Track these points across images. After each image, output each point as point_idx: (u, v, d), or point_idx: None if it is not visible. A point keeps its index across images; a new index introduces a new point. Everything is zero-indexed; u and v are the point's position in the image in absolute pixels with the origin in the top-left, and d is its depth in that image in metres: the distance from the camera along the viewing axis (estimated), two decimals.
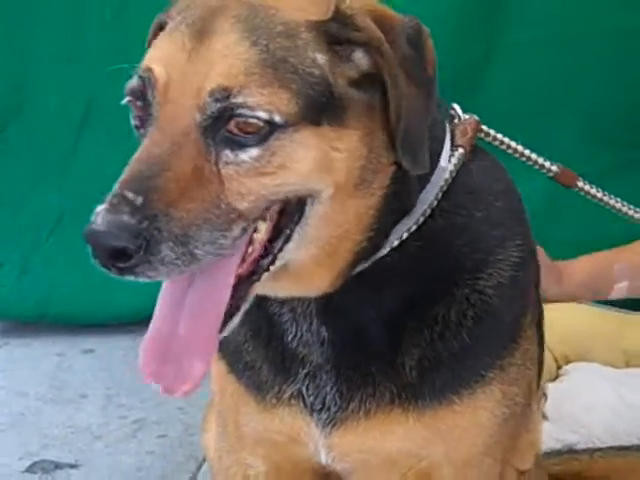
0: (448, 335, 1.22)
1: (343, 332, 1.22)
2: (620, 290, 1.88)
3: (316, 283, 1.17)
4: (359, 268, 1.18)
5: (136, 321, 3.00)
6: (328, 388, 1.23)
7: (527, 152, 1.49)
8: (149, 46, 1.18)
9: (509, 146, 1.46)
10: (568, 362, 2.46)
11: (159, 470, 2.33)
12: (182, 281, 1.09)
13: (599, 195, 1.59)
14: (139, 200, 0.99)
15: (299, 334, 1.23)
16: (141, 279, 1.02)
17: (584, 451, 2.04)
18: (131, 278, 1.02)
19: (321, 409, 1.24)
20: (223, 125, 1.05)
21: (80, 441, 2.45)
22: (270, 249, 1.11)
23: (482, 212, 1.25)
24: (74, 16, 2.95)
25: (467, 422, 1.24)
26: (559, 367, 2.46)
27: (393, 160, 1.15)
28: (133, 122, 1.13)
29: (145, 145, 1.05)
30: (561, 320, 2.15)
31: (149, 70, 1.08)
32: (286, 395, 1.26)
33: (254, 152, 1.05)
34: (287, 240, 1.11)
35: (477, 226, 1.24)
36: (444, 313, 1.22)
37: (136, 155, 1.05)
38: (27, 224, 3.11)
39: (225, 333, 1.11)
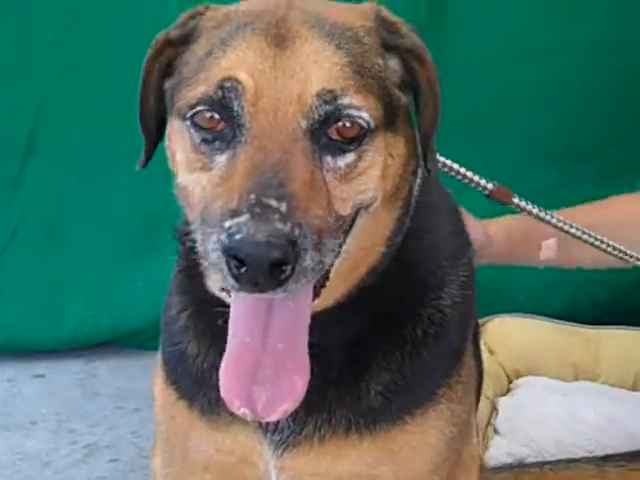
0: (414, 354, 1.22)
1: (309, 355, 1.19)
2: (549, 248, 1.84)
3: (323, 299, 1.14)
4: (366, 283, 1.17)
5: (87, 346, 3.04)
6: None
7: (463, 170, 1.51)
8: (149, 72, 1.17)
9: (444, 164, 1.48)
10: (519, 376, 2.49)
11: None
12: (263, 300, 1.05)
13: (534, 211, 1.61)
14: (283, 207, 0.95)
15: None
16: (277, 294, 0.97)
17: (534, 464, 2.06)
18: (272, 294, 0.97)
19: (274, 431, 1.23)
20: (326, 130, 1.04)
21: (29, 468, 2.40)
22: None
23: (439, 232, 1.27)
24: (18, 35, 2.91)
25: (417, 442, 1.24)
26: (510, 382, 2.49)
27: (414, 168, 1.17)
28: (199, 135, 1.07)
29: (249, 154, 1.01)
30: (513, 335, 2.18)
31: (234, 79, 1.04)
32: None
33: (350, 157, 1.05)
34: (339, 253, 1.08)
35: (436, 247, 1.26)
36: (412, 332, 1.22)
37: (244, 163, 1.01)
38: None
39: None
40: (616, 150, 2.66)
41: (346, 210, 1.05)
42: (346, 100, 1.04)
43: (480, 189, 1.56)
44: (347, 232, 1.09)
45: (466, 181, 1.54)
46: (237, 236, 0.94)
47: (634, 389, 2.44)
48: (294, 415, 1.20)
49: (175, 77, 1.15)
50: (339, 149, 1.05)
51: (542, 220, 1.63)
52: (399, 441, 1.23)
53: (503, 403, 2.35)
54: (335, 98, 1.03)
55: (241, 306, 1.07)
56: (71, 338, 3.01)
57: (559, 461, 2.04)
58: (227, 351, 1.07)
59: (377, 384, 1.21)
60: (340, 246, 1.07)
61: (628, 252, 1.70)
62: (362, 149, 1.06)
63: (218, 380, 1.19)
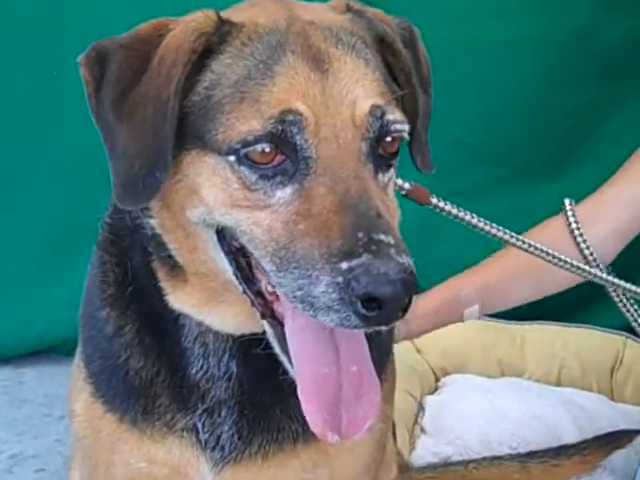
0: None
1: (253, 370, 1.21)
2: (472, 313, 1.94)
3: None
4: None
5: (14, 355, 3.00)
6: (226, 427, 1.22)
7: None
8: (171, 76, 1.05)
9: None
10: (446, 374, 2.54)
11: None
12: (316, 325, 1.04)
13: (454, 211, 1.62)
14: (391, 240, 0.96)
15: (205, 368, 1.21)
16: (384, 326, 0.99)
17: (459, 463, 2.09)
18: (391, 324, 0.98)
19: (214, 447, 1.23)
20: (378, 147, 1.05)
21: None
22: None
23: None
24: None
25: (352, 443, 1.24)
26: (437, 380, 2.54)
27: None
28: (254, 171, 1.03)
29: (330, 186, 1.00)
30: (440, 334, 2.19)
31: (295, 112, 1.01)
32: (179, 425, 1.23)
33: (392, 172, 1.08)
34: None
35: None
36: None
37: (331, 197, 0.99)
38: None
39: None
40: (539, 153, 2.70)
41: (395, 223, 1.10)
42: (391, 115, 1.05)
43: (397, 189, 1.56)
44: None
45: None
46: (364, 277, 0.93)
47: (558, 384, 2.50)
48: (239, 433, 1.21)
49: (195, 98, 1.07)
50: (386, 165, 1.07)
51: (459, 219, 1.65)
52: (336, 445, 1.22)
53: (430, 401, 2.39)
54: (383, 114, 1.04)
55: (310, 337, 1.07)
56: None
57: (483, 459, 2.07)
58: (304, 380, 1.08)
59: None
60: None
61: (559, 256, 1.75)
62: (395, 161, 1.09)
63: (160, 390, 1.23)
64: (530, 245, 1.73)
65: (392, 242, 0.95)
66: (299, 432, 1.23)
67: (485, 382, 2.47)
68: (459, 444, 2.18)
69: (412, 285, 0.94)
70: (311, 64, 1.03)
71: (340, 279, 0.95)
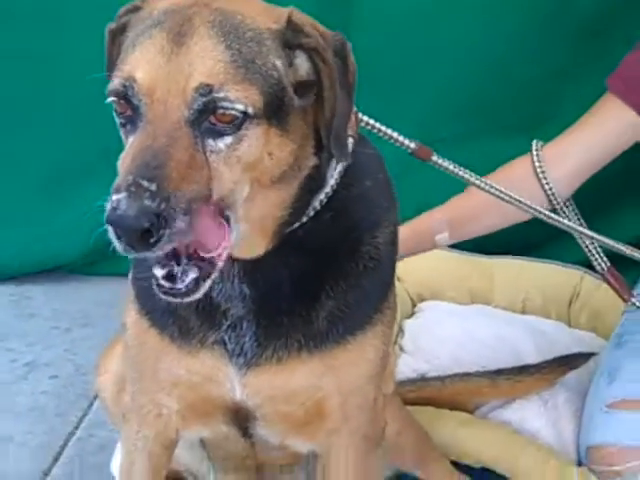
0: (355, 284, 1.42)
1: (262, 290, 1.39)
2: (442, 240, 2.12)
3: (253, 248, 1.36)
4: (283, 235, 1.36)
5: (21, 273, 3.17)
6: (247, 337, 1.42)
7: (389, 131, 1.75)
8: (109, 53, 1.33)
9: (374, 126, 1.72)
10: (422, 300, 2.76)
11: (53, 409, 2.48)
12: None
13: (451, 167, 1.86)
14: (153, 186, 1.13)
15: (224, 291, 1.40)
16: (157, 252, 1.16)
17: (435, 378, 2.31)
18: (149, 253, 1.15)
19: (239, 354, 1.42)
20: (206, 117, 1.20)
21: None
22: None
23: (371, 184, 1.46)
24: None
25: (357, 358, 1.46)
26: (414, 305, 2.76)
27: (314, 154, 1.33)
28: (118, 120, 1.25)
29: (141, 139, 1.19)
30: (416, 263, 2.36)
31: (132, 78, 1.20)
32: (209, 341, 1.43)
33: (229, 140, 1.21)
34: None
35: (369, 195, 1.45)
36: (353, 266, 1.42)
37: (135, 147, 1.18)
38: None
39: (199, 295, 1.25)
40: (514, 108, 2.85)
41: (226, 189, 1.22)
42: (221, 94, 1.20)
43: (405, 147, 1.79)
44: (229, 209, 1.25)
45: (392, 140, 1.77)
46: (116, 211, 1.13)
47: (522, 313, 2.72)
48: (257, 341, 1.41)
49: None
50: (218, 132, 1.22)
51: (456, 176, 1.87)
52: (342, 358, 1.44)
53: (408, 325, 2.61)
54: (210, 92, 1.19)
55: None
56: (1, 272, 3.16)
57: (456, 375, 2.29)
58: None
59: (324, 311, 1.41)
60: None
61: (529, 204, 1.95)
62: (241, 133, 1.22)
63: (187, 313, 1.42)
64: (520, 202, 1.93)
65: (152, 188, 1.14)
66: (302, 342, 1.42)
67: (457, 308, 2.70)
68: (435, 363, 2.40)
69: (142, 221, 1.12)
70: (172, 38, 1.21)
71: (108, 208, 1.14)
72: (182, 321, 1.43)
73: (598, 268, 2.15)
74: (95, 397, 2.51)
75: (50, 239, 3.16)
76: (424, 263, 2.62)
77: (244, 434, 1.57)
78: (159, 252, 1.17)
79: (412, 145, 1.79)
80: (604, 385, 2.13)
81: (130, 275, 1.54)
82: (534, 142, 2.12)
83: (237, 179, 1.24)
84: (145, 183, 1.14)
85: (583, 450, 2.09)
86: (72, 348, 2.79)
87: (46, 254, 3.18)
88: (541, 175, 2.08)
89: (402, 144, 1.79)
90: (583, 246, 2.15)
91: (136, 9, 1.32)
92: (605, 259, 2.15)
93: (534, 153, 2.10)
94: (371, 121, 1.70)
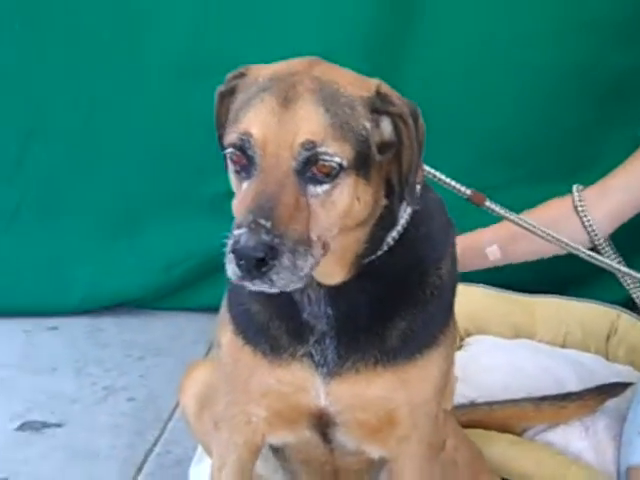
0: (422, 309, 1.64)
1: (343, 311, 1.61)
2: (493, 253, 2.30)
3: (335, 276, 1.59)
4: (362, 265, 1.59)
5: (95, 307, 3.43)
6: (329, 350, 1.63)
7: (448, 179, 2.03)
8: (217, 112, 1.57)
9: (434, 175, 2.00)
10: (469, 335, 2.96)
11: (132, 427, 2.71)
12: None
13: (502, 212, 2.11)
14: (268, 224, 1.37)
15: (312, 311, 1.62)
16: (266, 284, 1.38)
17: (484, 404, 2.50)
18: (260, 284, 1.38)
19: (324, 365, 1.64)
20: (309, 168, 1.43)
21: (60, 405, 2.80)
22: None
23: (435, 223, 1.69)
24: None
25: (424, 374, 1.67)
26: (462, 339, 2.96)
27: (385, 197, 1.56)
28: (233, 167, 1.48)
29: (257, 184, 1.42)
30: (462, 301, 2.57)
31: (249, 134, 1.44)
32: (299, 353, 1.64)
33: (326, 187, 1.44)
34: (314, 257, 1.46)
35: (434, 233, 1.68)
36: (421, 293, 1.64)
37: (252, 191, 1.42)
38: None
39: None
40: (552, 158, 3.12)
41: (322, 228, 1.45)
42: (322, 149, 1.43)
43: (461, 194, 2.05)
44: (323, 247, 1.47)
45: (450, 188, 2.03)
46: (239, 243, 1.37)
47: (563, 346, 2.92)
48: (339, 354, 1.63)
49: (228, 120, 1.53)
50: (319, 181, 1.45)
51: (505, 218, 2.11)
52: (412, 372, 1.65)
53: (457, 356, 2.78)
54: (314, 146, 1.43)
55: None
56: (78, 306, 3.42)
57: (504, 401, 2.47)
58: None
59: (396, 330, 1.62)
60: (312, 254, 1.44)
61: (570, 243, 2.16)
62: (336, 182, 1.45)
63: (275, 331, 1.65)
64: (558, 240, 2.14)
65: (267, 226, 1.37)
66: (377, 357, 1.62)
67: (503, 342, 2.89)
68: (483, 390, 2.56)
69: (259, 252, 1.35)
70: (280, 102, 1.44)
71: (231, 242, 1.38)
72: (273, 339, 1.65)
73: (638, 302, 2.35)
74: (169, 419, 2.76)
75: (120, 275, 3.43)
76: (470, 300, 2.82)
77: (324, 439, 1.77)
78: (268, 282, 1.39)
79: (468, 192, 2.06)
80: None
81: (224, 302, 1.77)
82: (575, 185, 2.32)
83: (331, 222, 1.47)
84: (262, 221, 1.38)
85: (623, 471, 2.27)
86: (146, 374, 3.05)
87: (117, 289, 3.44)
88: (582, 213, 2.27)
89: (459, 191, 2.05)
90: (625, 284, 2.34)
91: (242, 75, 1.56)
92: None
93: (575, 193, 2.29)
94: (432, 170, 1.98)
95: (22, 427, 2.70)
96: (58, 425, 2.71)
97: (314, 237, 1.44)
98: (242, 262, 1.38)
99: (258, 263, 1.37)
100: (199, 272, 3.43)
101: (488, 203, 2.10)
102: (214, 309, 3.24)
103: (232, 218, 3.33)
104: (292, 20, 3.11)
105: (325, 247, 1.48)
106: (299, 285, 1.44)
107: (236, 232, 1.38)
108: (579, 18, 3.04)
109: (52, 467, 2.52)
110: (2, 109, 3.31)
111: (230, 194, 3.38)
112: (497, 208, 2.11)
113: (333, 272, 1.59)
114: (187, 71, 3.27)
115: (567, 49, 3.05)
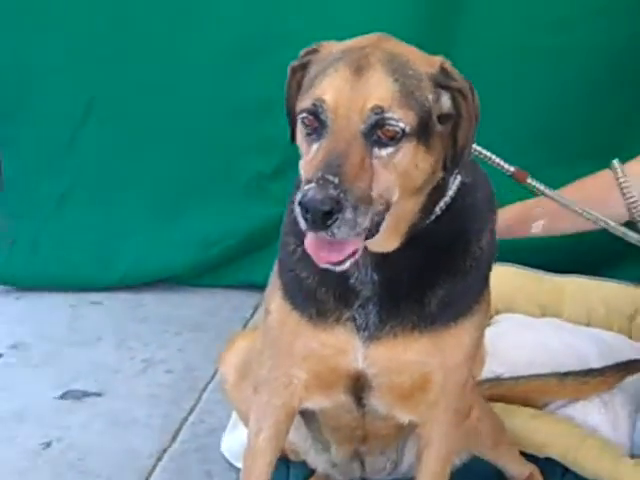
0: (461, 279, 1.71)
1: (388, 277, 1.69)
2: (537, 227, 2.35)
3: (388, 243, 1.67)
4: (411, 234, 1.66)
5: (137, 283, 3.57)
6: (372, 315, 1.71)
7: (493, 156, 2.12)
8: (289, 85, 1.66)
9: (480, 152, 2.09)
10: (498, 313, 3.03)
11: (169, 397, 2.82)
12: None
13: (541, 188, 2.20)
14: (336, 180, 1.46)
15: (359, 277, 1.70)
16: (330, 233, 1.46)
17: (510, 378, 2.57)
18: (324, 232, 1.46)
19: (365, 328, 1.72)
20: (375, 131, 1.52)
21: (101, 375, 2.93)
22: (370, 231, 1.55)
23: (479, 194, 1.76)
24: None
25: (458, 341, 1.75)
26: (491, 317, 3.02)
27: (440, 175, 1.64)
28: (305, 130, 1.57)
29: (327, 144, 1.52)
30: (493, 279, 2.63)
31: (322, 100, 1.54)
32: (344, 317, 1.73)
33: (390, 150, 1.53)
34: (379, 226, 1.56)
35: (478, 205, 1.76)
36: (461, 263, 1.72)
37: (322, 150, 1.51)
38: (34, 204, 3.55)
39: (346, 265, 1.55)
40: (588, 140, 3.20)
41: (383, 189, 1.53)
42: (389, 114, 1.53)
43: (505, 171, 2.14)
44: (383, 206, 1.55)
45: (494, 164, 2.11)
46: (307, 196, 1.46)
47: (588, 325, 2.99)
48: (380, 318, 1.71)
49: (300, 91, 1.64)
50: (384, 144, 1.54)
51: (545, 195, 2.18)
52: (447, 339, 1.73)
53: (488, 332, 2.87)
54: (382, 111, 1.53)
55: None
56: (120, 281, 3.56)
57: (529, 375, 2.54)
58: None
59: (435, 298, 1.70)
60: (375, 213, 1.53)
61: (608, 221, 2.23)
62: (399, 146, 1.54)
63: (322, 296, 1.73)
64: (597, 218, 2.23)
65: (335, 181, 1.45)
66: (415, 322, 1.71)
67: (530, 320, 2.96)
68: (509, 366, 2.63)
69: (326, 205, 1.43)
70: (353, 70, 1.54)
71: (299, 196, 1.47)
72: (320, 304, 1.74)
73: None
74: (204, 390, 2.88)
75: (161, 253, 3.56)
76: (500, 279, 2.82)
77: (358, 404, 1.86)
78: (330, 234, 1.48)
79: (511, 169, 2.15)
80: None
81: (275, 268, 1.85)
82: (615, 160, 2.34)
83: (392, 183, 1.55)
84: (330, 177, 1.47)
85: (638, 445, 2.35)
86: (183, 348, 3.16)
87: (158, 266, 3.57)
88: (624, 187, 2.31)
89: (502, 168, 2.14)
90: None
91: (315, 51, 1.67)
92: None
93: (617, 168, 2.32)
94: (478, 147, 2.06)
95: (65, 395, 2.82)
96: (98, 394, 2.83)
97: (375, 195, 1.53)
98: (308, 215, 1.47)
99: (324, 216, 1.46)
100: (236, 250, 3.55)
101: (530, 180, 2.18)
102: (250, 286, 3.45)
103: (270, 199, 3.46)
104: (338, 9, 3.20)
105: (387, 206, 1.56)
106: (357, 239, 1.53)
107: (305, 187, 1.47)
108: (612, 2, 3.12)
109: (92, 434, 2.64)
110: (54, 94, 3.44)
111: (271, 176, 3.50)
112: (538, 185, 2.19)
113: (387, 240, 1.66)
114: (231, 55, 3.37)
115: (611, 30, 3.12)
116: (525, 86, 3.19)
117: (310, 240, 1.55)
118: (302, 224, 1.49)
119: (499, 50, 3.17)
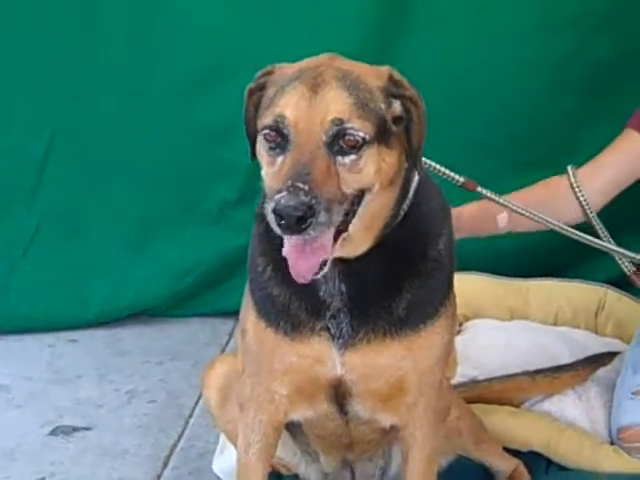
0: (424, 282, 1.80)
1: (355, 288, 1.78)
2: (503, 219, 2.45)
3: (358, 247, 1.76)
4: (380, 237, 1.75)
5: (112, 319, 3.60)
6: (344, 324, 1.80)
7: (442, 168, 2.24)
8: (247, 107, 1.76)
9: (430, 164, 2.21)
10: (467, 320, 3.14)
11: (156, 425, 2.87)
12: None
13: (493, 197, 2.32)
14: (306, 187, 1.56)
15: (327, 289, 1.79)
16: (306, 235, 1.56)
17: (484, 380, 2.67)
18: (299, 235, 1.57)
19: (339, 337, 1.80)
20: (337, 142, 1.63)
21: (87, 410, 2.97)
22: (344, 223, 1.67)
23: (433, 202, 1.86)
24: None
25: (428, 343, 1.84)
26: (460, 324, 3.11)
27: (405, 167, 1.75)
28: (268, 145, 1.67)
29: (292, 156, 1.61)
30: (458, 288, 2.73)
31: (283, 115, 1.64)
32: (317, 328, 1.81)
33: (353, 157, 1.64)
34: (353, 216, 1.68)
35: (433, 210, 1.86)
36: (422, 267, 1.81)
37: (288, 162, 1.61)
38: (2, 247, 3.56)
39: (320, 275, 1.66)
40: (535, 149, 3.33)
41: (349, 190, 1.64)
42: (349, 124, 1.64)
43: (455, 181, 2.27)
44: (354, 203, 1.66)
45: (444, 176, 2.23)
46: (280, 204, 1.55)
47: (555, 324, 3.11)
48: (352, 326, 1.79)
49: (259, 111, 1.74)
50: (346, 153, 1.65)
51: (495, 202, 2.31)
52: (417, 342, 1.82)
53: (457, 340, 2.97)
54: (342, 122, 1.64)
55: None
56: (96, 318, 3.59)
57: (502, 376, 2.65)
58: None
59: (402, 303, 1.79)
60: (347, 213, 1.65)
61: (555, 222, 2.37)
62: (360, 153, 1.65)
63: (295, 310, 1.81)
64: (547, 221, 2.35)
65: (305, 188, 1.56)
66: (386, 328, 1.79)
67: (499, 323, 3.07)
68: (482, 368, 2.73)
69: (299, 211, 1.53)
70: (310, 87, 1.65)
71: (272, 205, 1.56)
72: (293, 318, 1.82)
73: (625, 270, 2.54)
74: (190, 416, 2.94)
75: (134, 287, 3.60)
76: (465, 287, 2.90)
77: (341, 411, 1.94)
78: (306, 236, 1.59)
79: (461, 179, 2.26)
80: (629, 376, 2.51)
81: (247, 289, 1.92)
82: (569, 165, 2.51)
83: (365, 182, 1.66)
84: (300, 184, 1.57)
85: (614, 431, 2.46)
86: (165, 378, 3.21)
87: (132, 301, 3.62)
88: (577, 189, 2.46)
89: (452, 179, 2.25)
90: (615, 256, 2.54)
91: (270, 72, 1.77)
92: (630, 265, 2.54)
93: (570, 171, 2.48)
94: (427, 160, 2.19)
95: (54, 431, 2.85)
96: (87, 428, 2.87)
97: (347, 191, 1.64)
98: (282, 222, 1.56)
99: (298, 220, 1.55)
100: (209, 279, 3.62)
101: (479, 189, 2.29)
102: (224, 313, 3.51)
103: (236, 226, 3.50)
104: (287, 36, 3.28)
105: (361, 194, 1.66)
106: (331, 234, 1.64)
107: (277, 196, 1.57)
108: (561, 13, 3.25)
109: (84, 467, 2.68)
110: (16, 135, 3.49)
111: (235, 204, 3.54)
112: (488, 193, 2.30)
113: (359, 241, 1.75)
114: (187, 86, 3.46)
115: (549, 44, 3.25)
116: (471, 99, 3.30)
117: (288, 247, 1.65)
118: (277, 230, 1.59)
119: (444, 65, 3.28)
